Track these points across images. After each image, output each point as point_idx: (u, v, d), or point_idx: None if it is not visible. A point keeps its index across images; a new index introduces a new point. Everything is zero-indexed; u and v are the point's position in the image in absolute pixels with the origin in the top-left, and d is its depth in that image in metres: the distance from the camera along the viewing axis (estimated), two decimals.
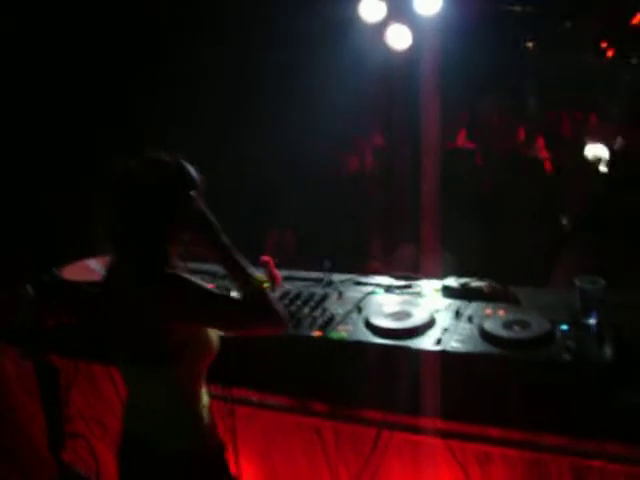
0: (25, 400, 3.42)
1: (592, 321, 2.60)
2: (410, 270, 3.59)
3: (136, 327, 2.25)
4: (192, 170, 2.30)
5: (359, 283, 3.24)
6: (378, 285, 3.19)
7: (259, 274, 2.32)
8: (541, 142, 7.42)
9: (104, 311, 2.41)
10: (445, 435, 2.66)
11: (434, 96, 5.99)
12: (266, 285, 2.28)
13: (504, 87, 8.44)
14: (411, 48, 6.10)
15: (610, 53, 9.00)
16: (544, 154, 7.26)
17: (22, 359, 3.18)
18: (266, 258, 3.02)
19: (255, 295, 2.24)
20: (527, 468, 2.63)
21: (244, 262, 2.29)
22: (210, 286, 3.10)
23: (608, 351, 2.39)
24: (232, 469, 2.67)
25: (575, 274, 3.75)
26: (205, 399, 2.41)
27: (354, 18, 5.99)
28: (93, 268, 3.23)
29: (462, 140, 7.60)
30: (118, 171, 2.26)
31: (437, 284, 3.13)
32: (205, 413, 2.39)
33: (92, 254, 3.43)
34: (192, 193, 2.25)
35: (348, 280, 3.26)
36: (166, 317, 2.20)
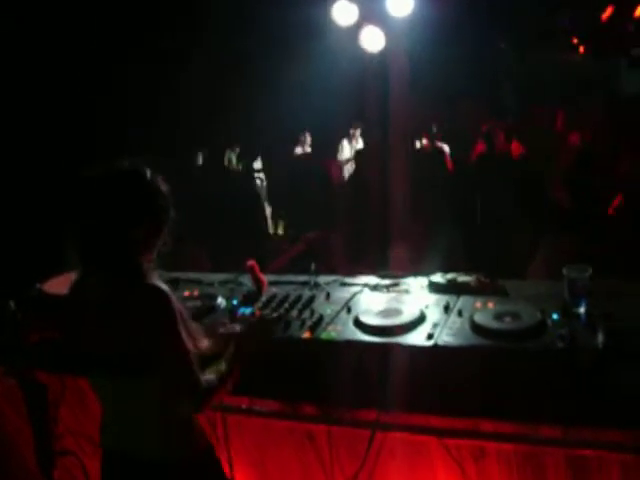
0: (11, 415, 3.36)
1: (581, 309, 2.60)
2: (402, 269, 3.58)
3: (114, 337, 2.21)
4: (153, 177, 2.30)
5: (345, 284, 3.22)
6: (365, 285, 3.18)
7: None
8: (501, 137, 7.50)
9: (74, 323, 2.37)
10: (440, 433, 2.65)
11: (407, 98, 6.03)
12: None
13: (478, 87, 8.51)
14: (385, 50, 6.11)
15: (582, 49, 9.10)
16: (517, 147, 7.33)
17: (6, 376, 3.12)
18: (251, 263, 3.00)
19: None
20: (522, 462, 2.61)
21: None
22: (195, 293, 3.10)
23: (600, 338, 2.39)
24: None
25: (553, 265, 3.78)
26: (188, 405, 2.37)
27: (327, 21, 5.99)
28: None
29: (438, 142, 7.65)
30: (78, 184, 2.26)
31: (424, 280, 3.12)
32: (190, 419, 2.37)
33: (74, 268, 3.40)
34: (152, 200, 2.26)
35: (334, 281, 3.24)
36: (139, 329, 2.17)
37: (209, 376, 2.29)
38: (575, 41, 9.01)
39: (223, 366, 2.37)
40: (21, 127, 5.85)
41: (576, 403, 2.35)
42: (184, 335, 2.20)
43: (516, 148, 7.07)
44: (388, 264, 5.36)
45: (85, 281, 2.33)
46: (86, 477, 3.12)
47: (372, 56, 6.01)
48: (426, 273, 3.19)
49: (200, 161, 8.89)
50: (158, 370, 2.21)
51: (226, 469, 2.77)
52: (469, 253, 5.40)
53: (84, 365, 2.37)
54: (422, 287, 3.07)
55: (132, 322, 2.17)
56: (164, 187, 2.33)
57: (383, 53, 5.97)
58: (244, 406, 2.95)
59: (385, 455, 2.79)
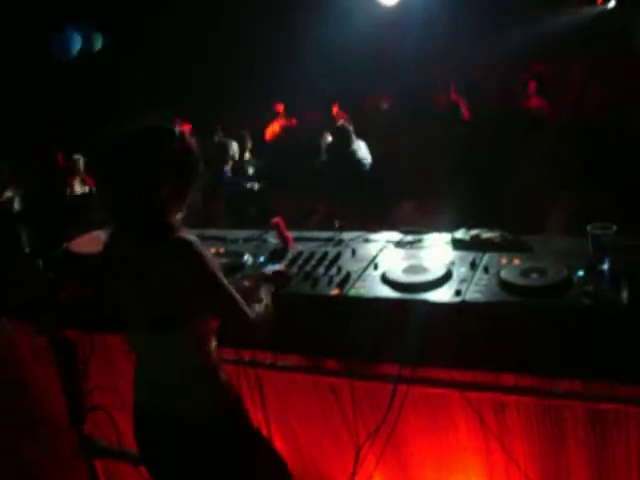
0: (40, 375, 3.41)
1: (605, 266, 2.61)
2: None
3: (146, 292, 2.25)
4: (182, 134, 2.31)
5: (368, 240, 3.22)
6: (388, 241, 3.18)
7: None
8: (533, 86, 7.40)
9: (109, 280, 2.41)
10: (461, 386, 2.69)
11: (423, 52, 5.96)
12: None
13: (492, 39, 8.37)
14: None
15: (600, 1, 8.92)
16: (536, 100, 7.26)
17: (37, 334, 3.16)
18: (277, 220, 3.00)
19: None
20: (542, 414, 2.66)
21: None
22: (221, 250, 3.12)
23: (624, 295, 2.41)
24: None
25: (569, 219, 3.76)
26: (217, 355, 2.43)
27: None
28: (102, 239, 3.20)
29: (454, 95, 7.55)
30: (105, 142, 2.28)
31: (446, 237, 3.11)
32: (220, 369, 2.43)
33: (100, 226, 3.41)
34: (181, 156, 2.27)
35: (357, 238, 3.24)
36: (171, 283, 2.21)
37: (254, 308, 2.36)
38: None
39: (263, 299, 2.46)
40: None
41: (598, 358, 2.38)
42: (222, 276, 2.25)
43: (536, 101, 7.00)
44: (395, 219, 5.37)
45: (117, 239, 2.36)
46: (116, 431, 3.17)
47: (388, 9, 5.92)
48: (447, 229, 3.19)
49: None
50: (191, 321, 2.27)
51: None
52: (483, 208, 5.38)
53: (121, 321, 2.40)
54: (445, 243, 3.06)
55: (165, 275, 2.20)
56: (193, 144, 2.34)
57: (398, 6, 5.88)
58: (268, 361, 2.99)
59: (407, 408, 2.82)
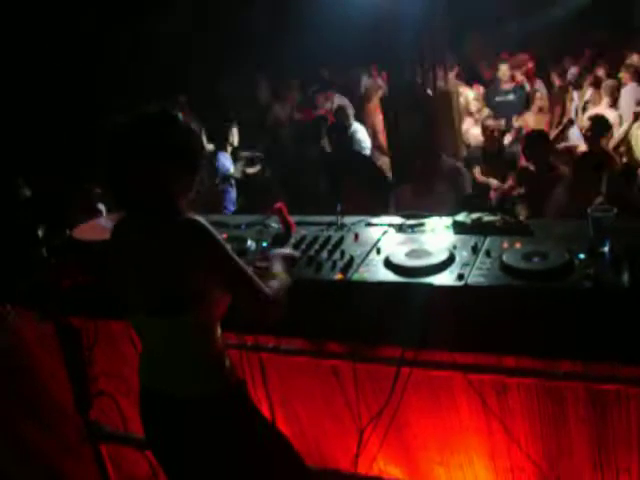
0: (46, 361, 3.42)
1: (606, 249, 2.62)
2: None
3: (157, 275, 2.26)
4: (185, 118, 2.32)
5: (370, 224, 3.22)
6: (390, 225, 3.17)
7: None
8: (530, 68, 7.38)
9: (116, 266, 2.43)
10: (464, 368, 2.71)
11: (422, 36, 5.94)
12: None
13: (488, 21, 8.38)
14: None
15: None
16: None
17: (41, 321, 3.17)
18: (279, 205, 3.00)
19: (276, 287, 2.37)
20: (543, 395, 2.69)
21: None
22: (223, 236, 3.14)
23: (625, 277, 2.42)
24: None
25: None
26: (222, 341, 2.46)
27: None
28: (105, 226, 3.21)
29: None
30: (110, 130, 2.29)
31: (447, 220, 3.11)
32: (225, 355, 2.45)
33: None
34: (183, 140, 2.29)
35: (359, 222, 3.24)
36: (183, 264, 2.22)
37: (270, 284, 2.38)
38: None
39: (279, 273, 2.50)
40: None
41: (599, 340, 2.40)
42: (236, 256, 2.27)
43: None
44: (394, 203, 5.37)
45: (126, 225, 2.38)
46: (121, 416, 3.20)
47: None
48: (446, 213, 3.19)
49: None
50: (199, 305, 2.28)
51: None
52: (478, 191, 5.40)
53: (124, 307, 2.42)
54: (446, 227, 3.06)
55: (177, 256, 2.21)
56: (195, 127, 2.35)
57: None
58: (271, 345, 3.01)
59: (410, 390, 2.85)
